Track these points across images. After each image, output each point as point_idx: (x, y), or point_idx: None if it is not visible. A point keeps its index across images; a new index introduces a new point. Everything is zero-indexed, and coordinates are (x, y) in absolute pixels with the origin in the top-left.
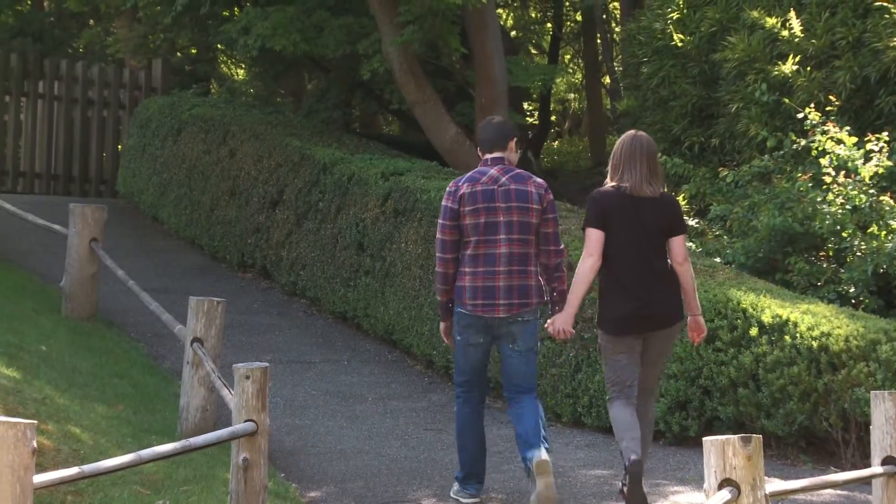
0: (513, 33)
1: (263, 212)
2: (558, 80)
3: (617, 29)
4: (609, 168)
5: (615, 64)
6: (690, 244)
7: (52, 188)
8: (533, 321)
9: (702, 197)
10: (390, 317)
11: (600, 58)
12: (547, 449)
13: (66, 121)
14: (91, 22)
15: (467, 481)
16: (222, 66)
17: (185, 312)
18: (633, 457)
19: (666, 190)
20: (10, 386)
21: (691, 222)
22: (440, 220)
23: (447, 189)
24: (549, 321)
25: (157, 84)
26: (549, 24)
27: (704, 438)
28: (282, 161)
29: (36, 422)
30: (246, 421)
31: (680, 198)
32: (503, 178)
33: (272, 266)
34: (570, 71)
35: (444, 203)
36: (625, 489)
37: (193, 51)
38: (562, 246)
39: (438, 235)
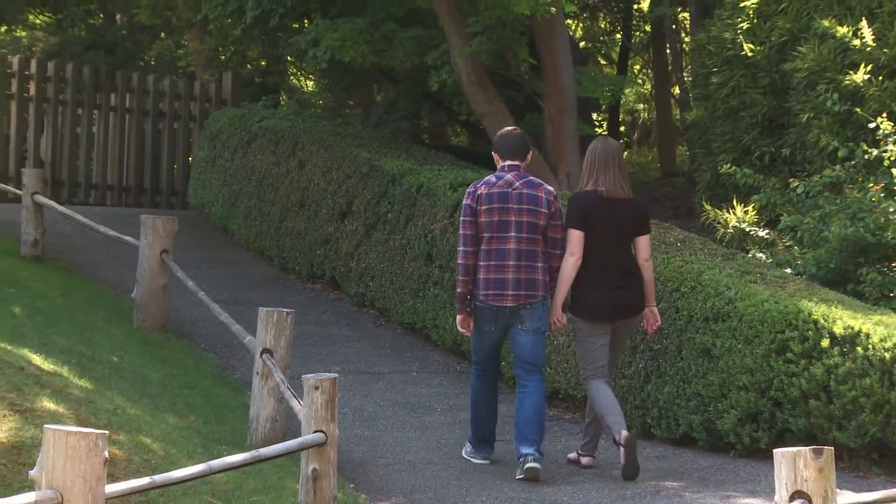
0: (582, 44)
1: (332, 223)
2: (627, 91)
3: (686, 39)
4: (584, 172)
5: (684, 74)
6: (761, 255)
7: (123, 200)
8: (541, 307)
9: (772, 207)
10: None
11: (670, 68)
12: (539, 452)
13: (137, 133)
14: (162, 35)
15: (480, 446)
16: (292, 77)
17: (255, 323)
18: (624, 432)
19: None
20: (82, 396)
21: (762, 233)
22: (462, 218)
23: (468, 190)
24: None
25: (228, 96)
26: (618, 35)
27: (775, 450)
28: (351, 172)
29: (108, 432)
30: (315, 432)
31: (750, 208)
32: (517, 183)
33: (341, 277)
34: (640, 81)
35: (464, 202)
36: (581, 458)
37: (263, 63)
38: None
39: (460, 231)
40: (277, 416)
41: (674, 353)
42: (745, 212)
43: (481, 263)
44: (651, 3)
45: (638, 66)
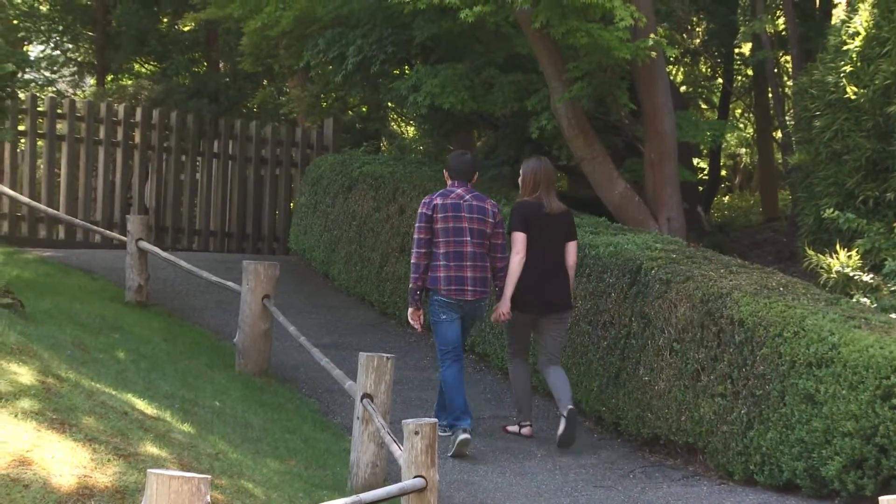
0: (682, 88)
1: None
2: (729, 135)
3: (789, 83)
4: (527, 185)
5: (787, 118)
6: (865, 300)
7: (226, 246)
8: (485, 304)
9: (877, 252)
10: None
11: (772, 112)
12: (469, 427)
13: (239, 179)
14: (265, 82)
15: (461, 420)
16: (392, 123)
17: (356, 368)
18: (570, 406)
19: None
20: (185, 441)
21: (866, 278)
22: (417, 224)
23: (423, 201)
24: (494, 309)
25: (329, 142)
26: (719, 79)
27: (881, 498)
28: None
29: (210, 476)
30: (415, 477)
31: (853, 252)
32: (467, 196)
33: None
34: (741, 125)
35: (420, 211)
36: (522, 429)
37: (364, 109)
38: (507, 254)
39: (415, 235)
40: (378, 461)
41: (776, 399)
42: (849, 256)
43: (441, 263)
44: (753, 47)
45: (739, 111)
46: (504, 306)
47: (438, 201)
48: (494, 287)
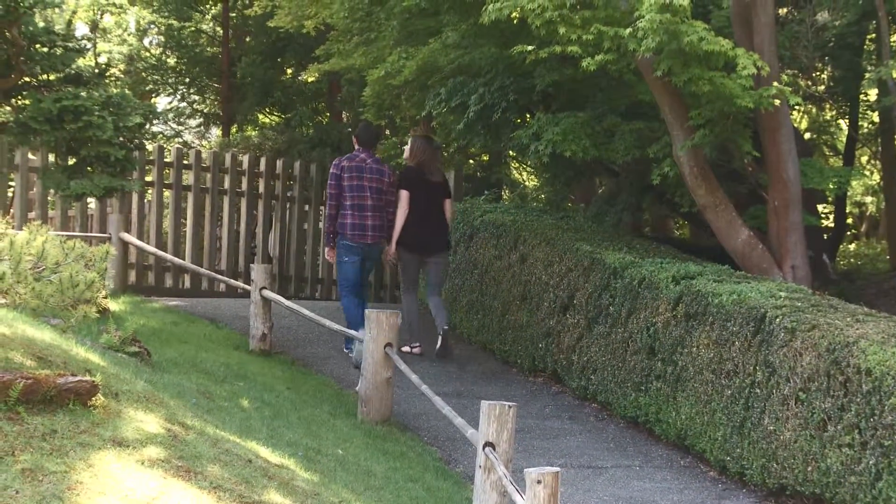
0: (807, 135)
1: (554, 316)
2: (854, 182)
3: None
4: (414, 155)
5: None
6: None
7: None
8: (381, 248)
9: None
10: (682, 422)
11: None
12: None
13: None
14: (387, 132)
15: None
16: (514, 171)
17: (478, 416)
18: (445, 326)
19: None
20: (308, 489)
21: None
22: (329, 181)
23: (333, 162)
24: (385, 251)
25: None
26: (844, 125)
27: None
28: (572, 266)
29: None
30: None
31: None
32: (369, 160)
33: (563, 370)
34: (867, 172)
35: (331, 171)
36: (413, 349)
37: (485, 157)
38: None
39: (329, 191)
40: None
41: None
42: None
43: (349, 213)
44: (878, 93)
45: (865, 157)
46: (391, 249)
47: (345, 164)
48: (389, 235)
